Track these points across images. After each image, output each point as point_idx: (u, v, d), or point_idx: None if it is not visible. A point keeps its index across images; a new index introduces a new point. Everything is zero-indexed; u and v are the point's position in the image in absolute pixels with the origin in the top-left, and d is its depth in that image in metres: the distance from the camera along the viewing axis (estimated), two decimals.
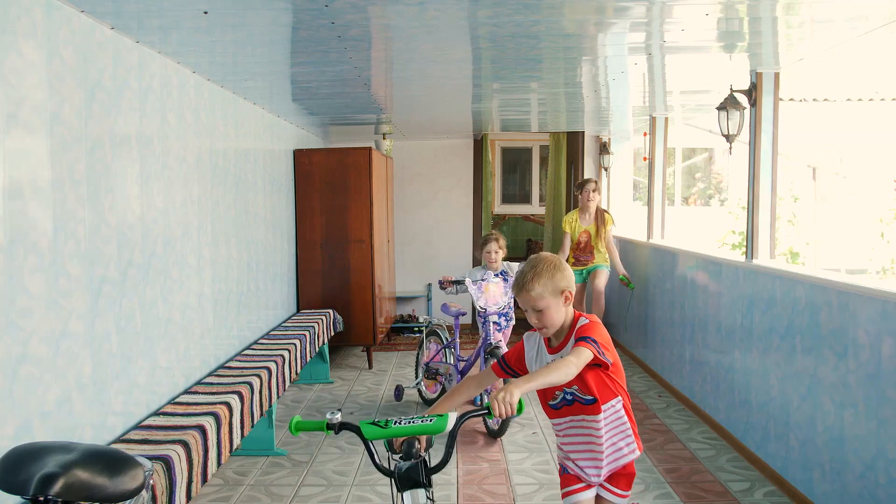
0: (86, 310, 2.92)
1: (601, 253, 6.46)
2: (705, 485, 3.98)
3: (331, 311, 6.60)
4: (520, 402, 1.93)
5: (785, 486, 3.83)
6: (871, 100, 10.38)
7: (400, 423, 1.93)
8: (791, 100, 10.07)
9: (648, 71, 4.58)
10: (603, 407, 2.28)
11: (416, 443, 1.98)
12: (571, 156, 8.52)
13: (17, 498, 1.87)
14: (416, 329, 8.53)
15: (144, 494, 1.97)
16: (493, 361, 2.68)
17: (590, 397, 2.27)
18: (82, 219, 2.89)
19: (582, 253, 6.50)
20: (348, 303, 6.79)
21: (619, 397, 2.31)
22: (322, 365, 6.37)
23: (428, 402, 5.52)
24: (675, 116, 6.80)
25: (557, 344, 2.31)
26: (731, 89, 4.61)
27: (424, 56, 3.97)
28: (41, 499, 1.66)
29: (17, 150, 2.49)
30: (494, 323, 4.95)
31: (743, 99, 4.55)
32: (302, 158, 6.70)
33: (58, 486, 1.67)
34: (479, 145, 8.71)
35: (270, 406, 4.39)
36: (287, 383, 4.80)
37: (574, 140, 8.44)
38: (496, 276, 5.08)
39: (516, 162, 10.54)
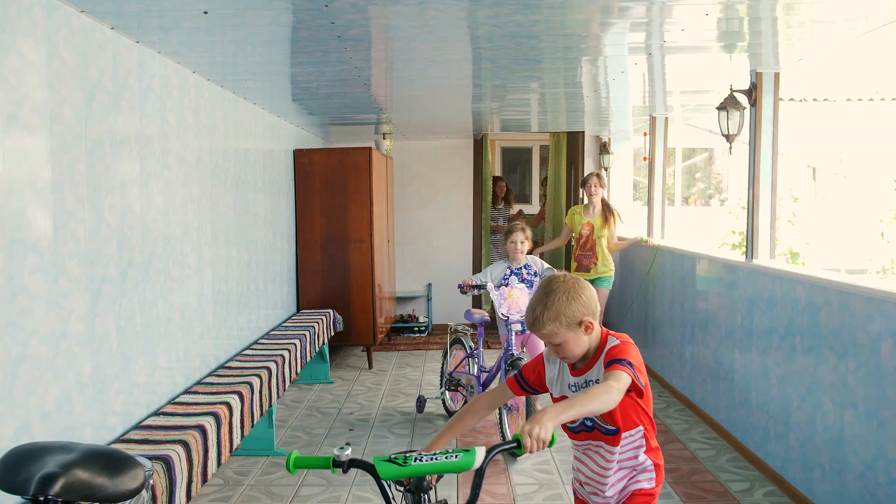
0: (86, 310, 2.92)
1: (604, 257, 6.15)
2: (705, 485, 3.98)
3: (331, 311, 6.60)
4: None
5: (785, 486, 3.83)
6: (871, 100, 10.37)
7: (420, 460, 1.69)
8: (791, 100, 10.06)
9: (648, 71, 4.58)
10: (623, 434, 2.05)
11: (428, 477, 1.77)
12: (571, 156, 8.52)
13: (17, 498, 1.87)
14: (417, 329, 8.53)
15: (144, 494, 1.97)
16: (510, 375, 2.44)
17: (612, 427, 2.05)
18: (82, 219, 2.89)
19: (583, 252, 6.22)
20: (348, 303, 6.79)
21: (641, 427, 2.07)
22: (322, 365, 6.37)
23: (451, 414, 5.24)
24: (675, 116, 6.80)
25: (582, 366, 2.07)
26: (731, 89, 4.61)
27: (424, 56, 3.97)
28: (41, 499, 1.66)
29: (17, 150, 2.49)
30: (518, 332, 4.64)
31: (743, 99, 4.55)
32: (302, 158, 6.70)
33: (58, 486, 1.67)
34: (479, 145, 8.71)
35: (270, 406, 4.39)
36: (287, 383, 4.80)
37: (574, 140, 8.44)
38: (521, 281, 4.78)
39: (516, 162, 10.54)
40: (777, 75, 4.34)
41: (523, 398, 4.33)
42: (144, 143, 3.48)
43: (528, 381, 2.19)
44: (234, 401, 3.71)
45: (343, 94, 5.15)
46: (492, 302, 4.78)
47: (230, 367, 4.42)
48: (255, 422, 4.01)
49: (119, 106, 3.23)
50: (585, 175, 6.61)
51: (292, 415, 5.38)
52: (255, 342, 5.24)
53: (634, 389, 1.97)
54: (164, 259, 3.70)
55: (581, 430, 2.11)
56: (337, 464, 1.74)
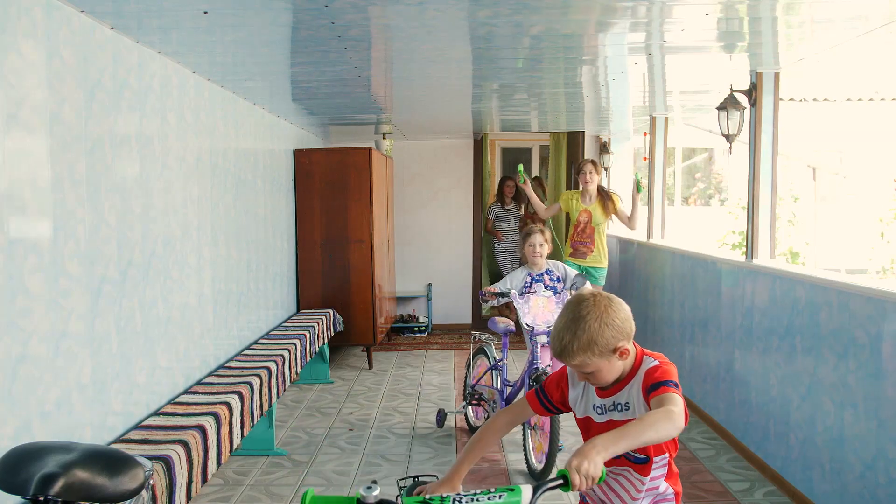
0: (86, 310, 2.92)
1: (601, 247, 5.91)
2: (705, 485, 3.98)
3: (331, 311, 6.60)
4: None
5: (785, 486, 3.83)
6: (871, 100, 10.38)
7: (460, 502, 1.54)
8: (791, 100, 10.07)
9: (648, 71, 4.58)
10: (654, 461, 1.86)
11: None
12: (571, 156, 8.51)
13: (17, 498, 1.87)
14: (417, 329, 8.53)
15: (144, 494, 1.97)
16: (530, 389, 2.20)
17: (643, 456, 1.85)
18: (82, 219, 2.89)
19: (580, 238, 5.94)
20: (348, 303, 6.79)
21: (667, 454, 1.88)
22: (322, 365, 6.37)
23: (474, 430, 4.89)
24: (675, 116, 6.80)
25: (612, 387, 1.85)
26: (731, 89, 4.61)
27: (424, 56, 3.97)
28: (41, 499, 1.66)
29: (17, 150, 2.49)
30: (543, 344, 4.17)
31: (743, 99, 4.55)
32: (302, 158, 6.70)
33: (58, 486, 1.67)
34: (479, 145, 8.71)
35: (270, 406, 4.39)
36: (287, 383, 4.80)
37: (574, 140, 8.44)
38: (546, 288, 4.37)
39: (516, 162, 10.53)
40: (777, 75, 4.34)
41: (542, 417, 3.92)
42: (144, 143, 3.48)
43: (552, 400, 1.97)
44: (234, 401, 3.71)
45: (343, 94, 5.15)
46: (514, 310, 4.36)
47: (230, 367, 4.42)
48: (255, 422, 4.01)
49: (119, 106, 3.23)
50: (581, 161, 6.21)
51: (292, 415, 5.38)
52: (255, 342, 5.24)
53: None
54: (164, 259, 3.70)
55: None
56: None
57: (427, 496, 1.57)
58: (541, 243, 4.41)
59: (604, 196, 5.87)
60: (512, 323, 4.68)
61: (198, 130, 4.20)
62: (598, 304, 1.77)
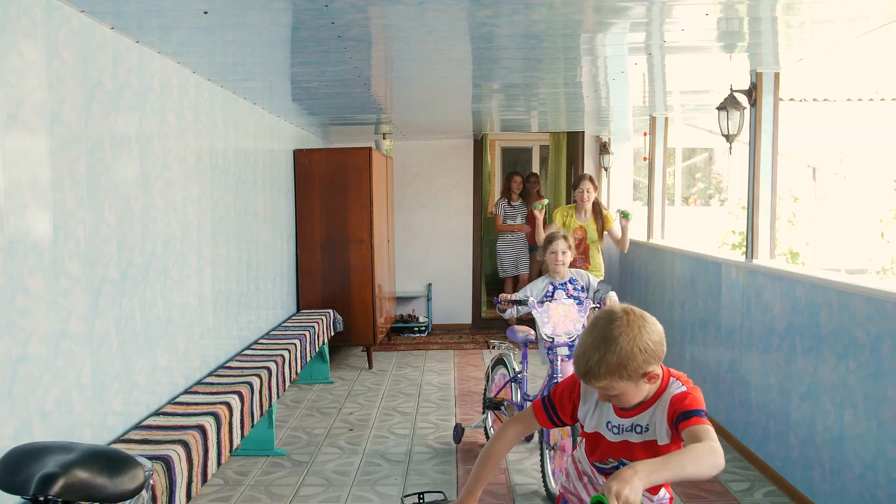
0: (86, 310, 2.92)
1: (596, 263, 5.73)
2: (705, 485, 3.98)
3: (331, 311, 6.60)
4: None
5: (785, 486, 3.83)
6: (871, 100, 10.38)
7: None
8: (791, 100, 10.07)
9: (648, 71, 4.58)
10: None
11: None
12: (571, 156, 8.52)
13: (17, 498, 1.87)
14: (417, 329, 8.53)
15: (144, 494, 1.97)
16: (537, 398, 2.10)
17: None
18: (82, 219, 2.89)
19: (576, 254, 5.48)
20: (348, 303, 6.79)
21: None
22: (322, 365, 6.37)
23: None
24: (675, 116, 6.80)
25: (634, 409, 1.76)
26: (731, 89, 4.60)
27: (424, 56, 3.97)
28: (41, 499, 1.66)
29: (17, 150, 2.49)
30: (564, 357, 3.84)
31: (743, 99, 4.55)
32: (302, 158, 6.70)
33: (58, 486, 1.67)
34: (479, 145, 8.71)
35: (270, 406, 4.39)
36: (287, 383, 4.80)
37: (574, 140, 8.44)
38: (568, 297, 4.05)
39: (516, 162, 10.54)
40: (777, 75, 4.34)
41: (569, 430, 3.64)
42: (144, 143, 3.48)
43: (560, 414, 1.87)
44: (234, 401, 3.71)
45: (343, 94, 5.15)
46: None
47: (230, 367, 4.42)
48: (255, 422, 4.01)
49: (119, 106, 3.23)
50: (578, 176, 6.05)
51: (292, 415, 5.38)
52: (255, 342, 5.24)
53: None
54: (164, 259, 3.70)
55: (612, 472, 1.73)
56: None
57: None
58: (563, 250, 4.07)
59: (597, 214, 5.68)
60: (532, 333, 4.27)
61: (198, 130, 4.20)
62: (632, 324, 1.65)
